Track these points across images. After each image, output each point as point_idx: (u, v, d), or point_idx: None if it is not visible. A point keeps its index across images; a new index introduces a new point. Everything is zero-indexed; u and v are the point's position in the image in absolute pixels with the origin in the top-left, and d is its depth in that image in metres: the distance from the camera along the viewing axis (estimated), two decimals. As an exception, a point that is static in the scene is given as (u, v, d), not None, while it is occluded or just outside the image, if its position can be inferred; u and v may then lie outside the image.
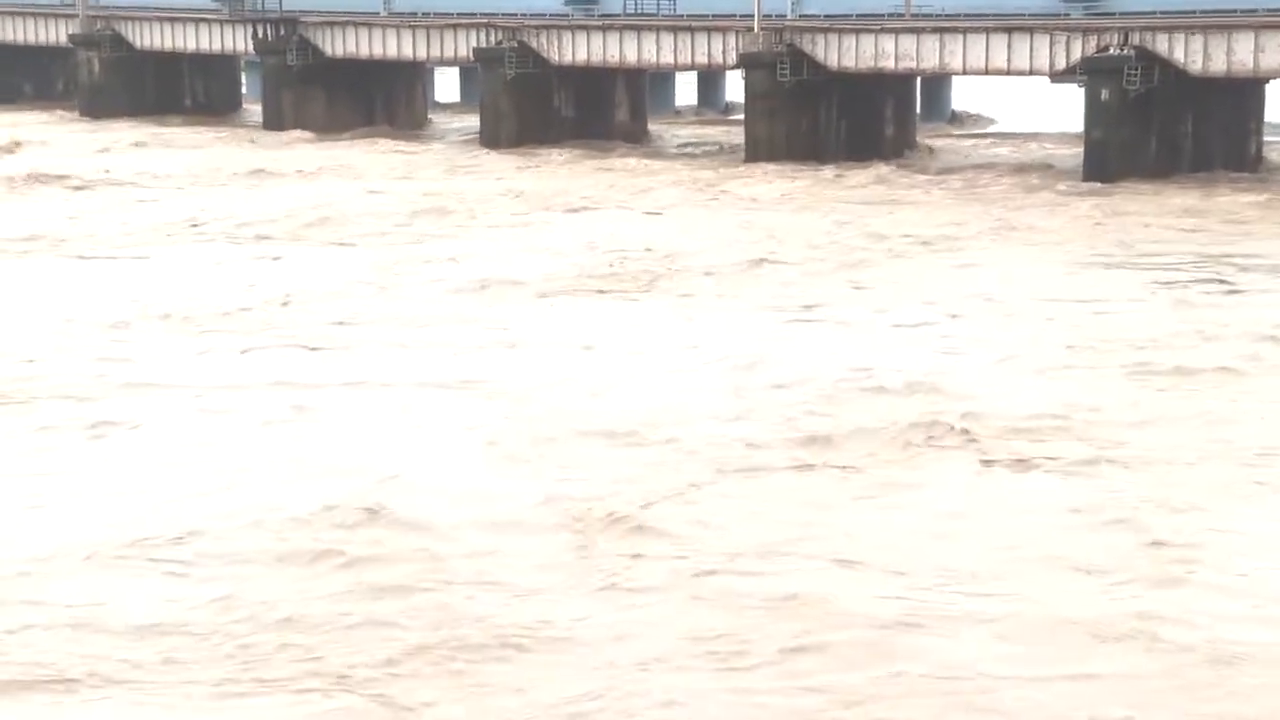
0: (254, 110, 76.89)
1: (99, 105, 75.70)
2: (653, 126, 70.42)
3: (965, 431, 20.82)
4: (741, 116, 63.96)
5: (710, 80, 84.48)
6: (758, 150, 58.05)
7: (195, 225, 41.91)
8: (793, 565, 16.19)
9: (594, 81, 65.78)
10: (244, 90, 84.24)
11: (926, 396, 22.61)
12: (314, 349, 26.52)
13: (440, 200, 46.66)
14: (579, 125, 65.40)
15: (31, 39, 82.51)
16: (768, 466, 19.61)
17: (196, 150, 62.38)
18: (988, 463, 19.80)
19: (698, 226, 41.65)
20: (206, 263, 36.21)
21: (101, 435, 21.14)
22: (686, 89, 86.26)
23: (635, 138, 66.63)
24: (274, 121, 70.72)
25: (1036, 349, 26.32)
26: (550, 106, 65.06)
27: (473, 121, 69.00)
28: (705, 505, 18.09)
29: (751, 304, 30.83)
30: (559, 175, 54.92)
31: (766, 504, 18.17)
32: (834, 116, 59.07)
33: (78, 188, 49.90)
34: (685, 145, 66.68)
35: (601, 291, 32.13)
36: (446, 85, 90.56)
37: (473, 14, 69.17)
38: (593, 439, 20.72)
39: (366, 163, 58.14)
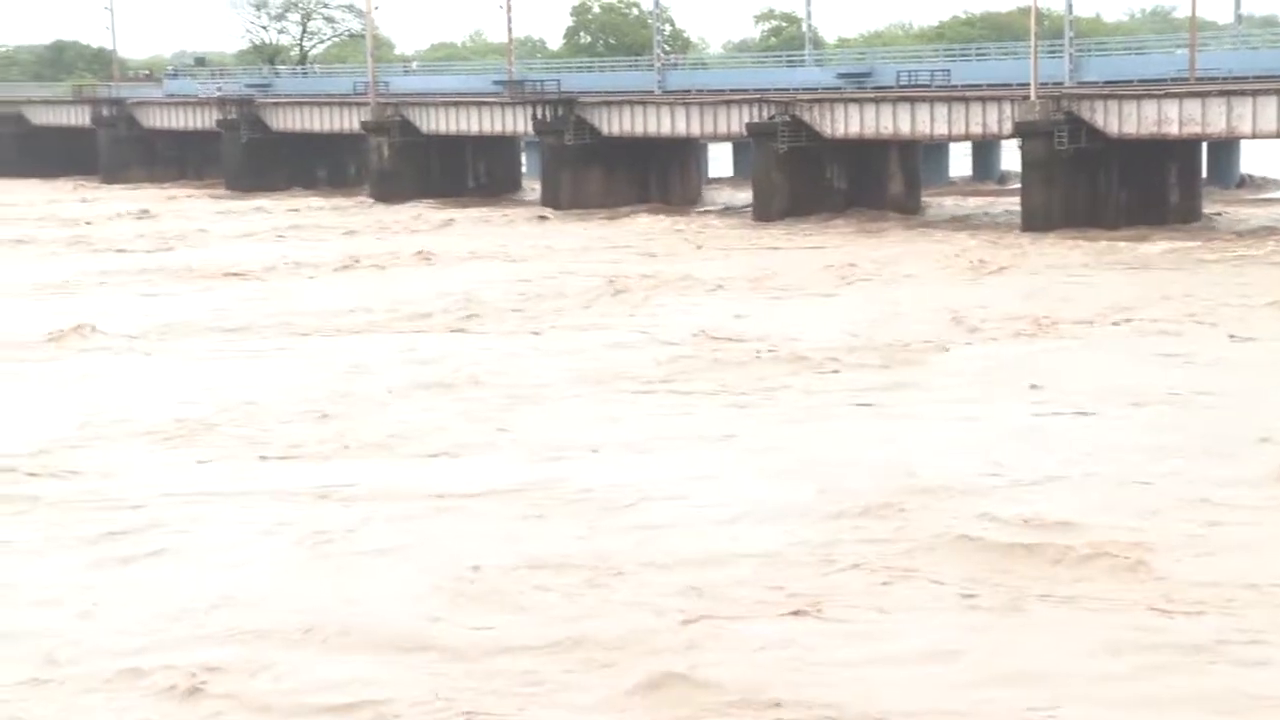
0: (533, 189, 78.98)
1: (388, 189, 78.91)
2: (927, 197, 69.85)
3: None
4: (1017, 186, 62.96)
5: (985, 150, 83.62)
6: (1034, 220, 56.97)
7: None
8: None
9: (867, 154, 65.65)
10: (524, 170, 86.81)
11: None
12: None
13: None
14: (852, 197, 65.32)
15: (326, 127, 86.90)
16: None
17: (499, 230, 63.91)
18: None
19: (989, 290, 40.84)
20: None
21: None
22: (961, 159, 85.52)
23: (909, 209, 66.17)
24: (552, 199, 72.61)
25: None
26: (823, 179, 65.20)
27: (745, 196, 69.43)
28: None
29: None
30: (823, 249, 54.39)
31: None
32: (1114, 184, 57.67)
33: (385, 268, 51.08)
34: (960, 216, 65.77)
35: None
36: (720, 160, 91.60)
37: (745, 90, 70.06)
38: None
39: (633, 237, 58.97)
